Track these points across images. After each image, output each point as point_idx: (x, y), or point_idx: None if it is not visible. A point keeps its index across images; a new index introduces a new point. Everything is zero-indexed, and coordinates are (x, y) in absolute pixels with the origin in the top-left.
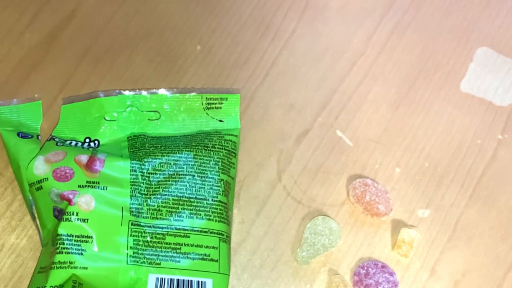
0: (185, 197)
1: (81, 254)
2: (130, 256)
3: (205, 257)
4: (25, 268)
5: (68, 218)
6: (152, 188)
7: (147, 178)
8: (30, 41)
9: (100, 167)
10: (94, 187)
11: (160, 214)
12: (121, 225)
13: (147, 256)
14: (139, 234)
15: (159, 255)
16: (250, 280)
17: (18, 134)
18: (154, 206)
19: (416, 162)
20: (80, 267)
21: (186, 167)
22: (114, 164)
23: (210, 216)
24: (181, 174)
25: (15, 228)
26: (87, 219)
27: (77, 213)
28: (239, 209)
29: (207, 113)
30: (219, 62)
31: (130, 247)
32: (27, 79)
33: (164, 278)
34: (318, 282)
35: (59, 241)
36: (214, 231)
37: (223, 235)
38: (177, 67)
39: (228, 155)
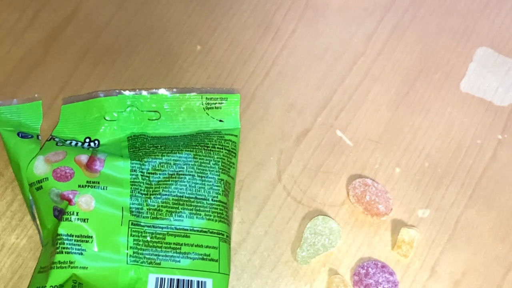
0: (185, 197)
1: (81, 254)
2: (130, 256)
3: (205, 257)
4: (25, 268)
5: (68, 218)
6: (152, 188)
7: (147, 178)
8: (30, 41)
9: (100, 167)
10: (94, 187)
11: (160, 214)
12: (121, 225)
13: (147, 256)
14: (139, 234)
15: (159, 255)
16: (250, 280)
17: (18, 134)
18: (154, 206)
19: (416, 162)
20: (80, 267)
21: (186, 167)
22: (114, 164)
23: (210, 216)
24: (181, 174)
25: (15, 228)
26: (87, 219)
27: (77, 213)
28: (239, 209)
29: (207, 113)
30: (219, 62)
31: (130, 247)
32: (27, 79)
33: (164, 278)
34: (318, 282)
35: (59, 241)
36: (214, 231)
37: (223, 235)
38: (177, 67)
39: (228, 155)
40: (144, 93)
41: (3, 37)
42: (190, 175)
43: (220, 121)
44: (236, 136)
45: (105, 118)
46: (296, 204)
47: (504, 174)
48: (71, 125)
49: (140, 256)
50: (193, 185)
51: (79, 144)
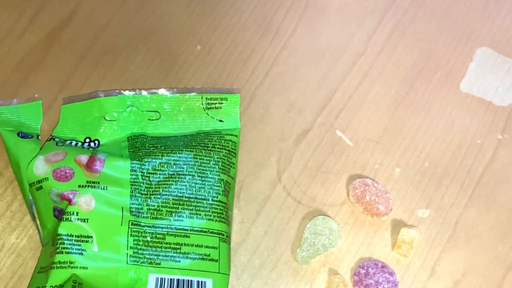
0: (185, 197)
1: (81, 254)
2: (130, 256)
3: (205, 257)
4: (25, 268)
5: (68, 218)
6: (152, 188)
7: (147, 178)
8: (30, 41)
9: (100, 167)
10: (94, 187)
11: (160, 214)
12: (121, 225)
13: (147, 256)
14: (139, 234)
15: (159, 255)
16: (250, 280)
17: (18, 134)
18: (154, 206)
19: (416, 162)
20: (80, 267)
21: (186, 167)
22: (114, 164)
23: (210, 216)
24: (181, 174)
25: (15, 228)
26: (87, 219)
27: (77, 213)
28: (239, 209)
29: (207, 113)
30: (219, 62)
31: (130, 247)
32: (27, 79)
33: (164, 278)
34: (318, 282)
35: (59, 241)
36: (214, 231)
37: (223, 235)
38: (177, 67)
39: (228, 155)
40: (144, 93)
41: (3, 37)
42: (190, 175)
43: (220, 121)
44: (236, 136)
45: (105, 118)
46: (296, 204)
47: (504, 174)
48: (71, 125)
49: (140, 256)
50: (193, 185)
51: (79, 144)
